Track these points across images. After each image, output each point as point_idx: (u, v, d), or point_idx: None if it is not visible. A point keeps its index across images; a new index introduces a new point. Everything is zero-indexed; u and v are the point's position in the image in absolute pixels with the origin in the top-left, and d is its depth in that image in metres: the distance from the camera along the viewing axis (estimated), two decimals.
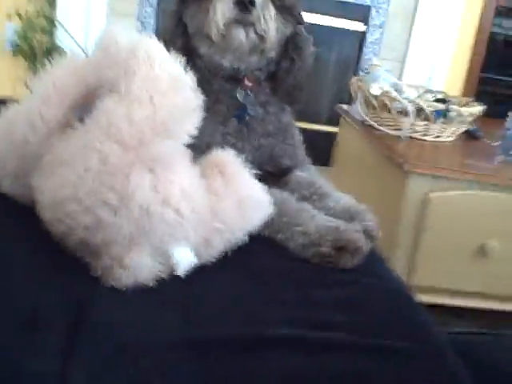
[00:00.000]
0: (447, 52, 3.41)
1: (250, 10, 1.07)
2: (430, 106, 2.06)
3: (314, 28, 3.24)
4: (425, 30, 3.35)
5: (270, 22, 1.10)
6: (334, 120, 2.94)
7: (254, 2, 1.07)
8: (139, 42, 0.85)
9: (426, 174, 1.82)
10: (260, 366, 0.75)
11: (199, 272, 0.92)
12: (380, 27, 3.33)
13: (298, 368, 0.76)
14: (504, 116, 2.15)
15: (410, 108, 2.02)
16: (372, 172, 2.13)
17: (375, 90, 2.06)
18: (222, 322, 0.83)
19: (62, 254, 0.87)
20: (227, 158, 1.00)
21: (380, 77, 2.17)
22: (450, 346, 0.87)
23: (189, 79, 0.86)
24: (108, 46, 0.86)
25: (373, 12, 3.30)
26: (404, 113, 2.05)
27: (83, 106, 0.89)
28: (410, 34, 3.35)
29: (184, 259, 0.89)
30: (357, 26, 3.33)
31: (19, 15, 3.02)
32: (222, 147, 1.09)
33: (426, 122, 2.08)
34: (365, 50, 3.35)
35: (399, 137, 2.05)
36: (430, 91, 2.42)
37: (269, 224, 1.05)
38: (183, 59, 0.89)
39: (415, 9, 3.32)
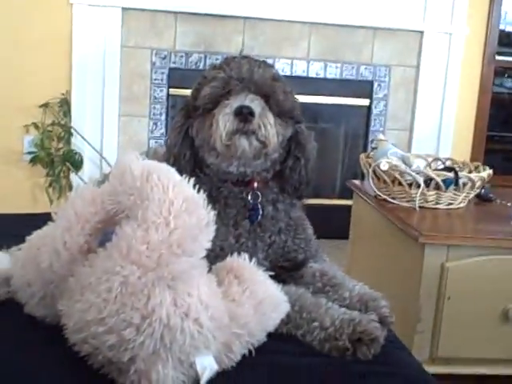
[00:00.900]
0: (452, 115, 3.50)
1: (250, 120, 1.15)
2: (439, 176, 2.10)
3: (321, 108, 3.40)
4: (428, 97, 3.47)
5: (269, 128, 1.17)
6: (346, 193, 3.01)
7: (254, 112, 1.15)
8: (152, 168, 0.92)
9: (440, 244, 1.84)
10: None
11: (222, 377, 0.95)
12: (383, 100, 3.44)
13: None
14: None
15: (420, 179, 2.07)
16: (388, 245, 2.16)
17: (384, 165, 2.12)
18: None
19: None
20: (241, 263, 1.05)
21: (388, 151, 2.22)
22: None
23: (201, 199, 0.92)
24: (123, 173, 0.93)
25: (375, 86, 3.43)
26: (415, 184, 2.10)
27: (103, 232, 0.96)
28: (413, 104, 3.46)
29: (206, 367, 0.93)
30: (361, 101, 3.46)
31: (36, 126, 3.17)
32: (236, 249, 1.15)
33: (436, 191, 2.12)
34: (371, 122, 3.46)
35: (412, 208, 2.09)
36: (439, 159, 2.47)
37: (286, 321, 1.09)
38: (192, 173, 0.96)
39: (416, 79, 3.44)
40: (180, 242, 0.87)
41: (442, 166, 2.38)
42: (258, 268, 1.07)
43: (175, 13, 3.24)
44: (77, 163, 3.20)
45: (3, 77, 3.19)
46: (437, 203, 2.13)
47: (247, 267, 1.05)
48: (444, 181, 2.10)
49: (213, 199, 1.15)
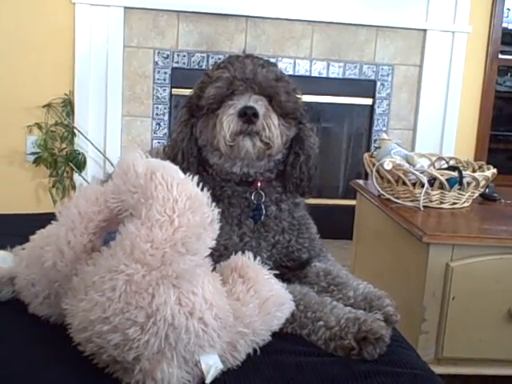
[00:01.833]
0: (456, 115, 3.50)
1: (254, 122, 1.14)
2: (443, 175, 2.09)
3: (324, 107, 3.40)
4: (431, 96, 3.46)
5: (273, 129, 1.17)
6: (350, 193, 3.00)
7: (258, 113, 1.14)
8: (155, 166, 0.92)
9: (445, 243, 1.83)
10: None
11: (227, 376, 0.95)
12: (386, 99, 3.44)
13: None
14: None
15: (424, 179, 2.06)
16: (392, 244, 2.16)
17: (387, 164, 2.11)
18: None
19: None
20: (246, 262, 1.05)
21: (391, 150, 2.21)
22: None
23: (205, 197, 0.91)
24: (126, 171, 0.92)
25: (378, 85, 3.42)
26: (419, 184, 2.09)
27: (107, 230, 0.95)
28: (417, 103, 3.46)
29: (211, 366, 0.92)
30: (364, 101, 3.46)
31: (39, 127, 3.18)
32: (240, 248, 1.14)
33: (441, 191, 2.11)
34: (374, 121, 3.45)
35: (416, 207, 2.08)
36: (442, 158, 2.46)
37: (291, 320, 1.09)
38: (197, 170, 0.95)
39: (419, 78, 3.44)
40: (184, 241, 0.87)
41: (445, 166, 2.37)
42: (263, 267, 1.07)
43: (178, 12, 3.24)
44: (80, 163, 3.20)
45: (6, 77, 3.19)
46: (441, 202, 2.12)
47: (252, 266, 1.05)
48: (448, 180, 2.09)
49: (216, 198, 1.15)
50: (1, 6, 3.14)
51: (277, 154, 1.23)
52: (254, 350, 1.00)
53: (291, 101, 1.23)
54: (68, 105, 3.20)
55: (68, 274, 0.95)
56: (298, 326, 1.10)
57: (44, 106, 3.19)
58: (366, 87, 3.44)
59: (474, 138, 3.66)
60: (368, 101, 3.47)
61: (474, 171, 2.23)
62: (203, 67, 3.27)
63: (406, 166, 2.11)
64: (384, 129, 3.46)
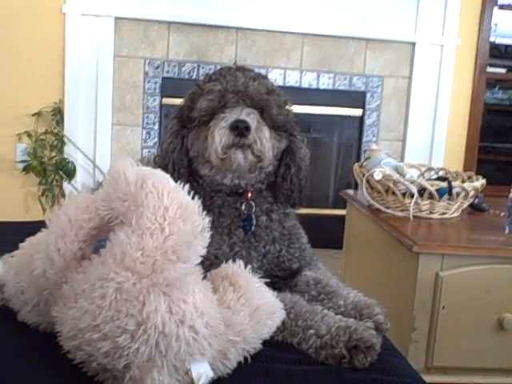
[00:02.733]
0: (445, 126, 3.53)
1: (246, 135, 1.15)
2: (433, 185, 2.10)
3: (314, 118, 3.41)
4: (420, 108, 3.49)
5: (265, 142, 1.17)
6: (340, 202, 3.01)
7: (250, 127, 1.15)
8: (146, 174, 0.91)
9: (435, 253, 1.84)
10: None
11: None
12: (376, 110, 3.46)
13: None
14: (505, 182, 2.19)
15: (414, 189, 2.07)
16: (382, 254, 2.16)
17: (377, 174, 2.12)
18: None
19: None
20: (237, 270, 1.05)
21: (381, 161, 2.23)
22: None
23: (195, 205, 0.91)
24: (117, 179, 0.92)
25: (368, 96, 3.45)
26: (408, 194, 2.10)
27: (97, 238, 0.95)
28: (406, 114, 3.49)
29: (202, 374, 0.92)
30: (354, 112, 3.48)
31: (29, 135, 3.17)
32: (230, 257, 1.14)
33: (430, 201, 2.12)
34: (364, 132, 3.47)
35: (406, 217, 2.09)
36: (432, 169, 2.48)
37: (282, 328, 1.09)
38: (187, 181, 0.96)
39: (408, 89, 3.47)
40: (175, 249, 0.86)
41: (435, 176, 2.39)
42: (254, 275, 1.07)
43: (168, 23, 3.25)
44: (70, 172, 3.18)
45: None
46: (430, 212, 2.14)
47: (242, 274, 1.05)
48: (437, 190, 2.10)
49: (206, 208, 1.15)
50: None
51: (268, 166, 1.23)
52: (245, 359, 1.00)
53: (282, 114, 1.24)
54: (58, 113, 3.19)
55: (58, 282, 0.95)
56: (289, 334, 1.09)
57: (34, 115, 3.18)
58: (356, 98, 3.46)
59: (463, 148, 3.69)
60: (358, 112, 3.49)
61: (463, 182, 2.24)
62: (193, 77, 3.28)
63: (396, 176, 2.13)
64: (374, 139, 3.48)
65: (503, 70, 3.86)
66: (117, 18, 3.19)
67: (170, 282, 0.87)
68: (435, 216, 2.14)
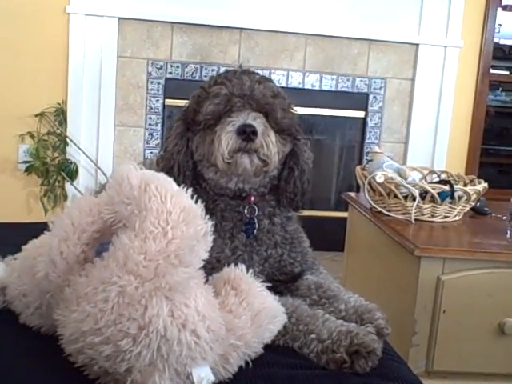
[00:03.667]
0: (447, 128, 3.53)
1: (252, 139, 1.15)
2: (435, 189, 2.10)
3: (316, 120, 3.42)
4: (423, 110, 3.49)
5: (271, 147, 1.18)
6: (341, 205, 3.01)
7: (256, 131, 1.15)
8: (149, 178, 0.92)
9: (436, 257, 1.84)
10: None
11: None
12: (379, 112, 3.46)
13: None
14: (508, 186, 2.18)
15: (416, 192, 2.07)
16: (383, 257, 2.16)
17: (379, 177, 2.12)
18: None
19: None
20: (238, 274, 1.05)
21: (383, 164, 2.23)
22: None
23: (198, 209, 0.92)
24: (120, 183, 0.92)
25: (370, 98, 3.45)
26: (411, 197, 2.10)
27: (100, 241, 0.95)
28: (409, 116, 3.48)
29: (203, 379, 0.92)
30: (357, 113, 3.48)
31: (32, 136, 3.17)
32: (232, 261, 1.14)
33: (432, 204, 2.12)
34: (366, 134, 3.47)
35: (408, 220, 2.09)
36: (434, 172, 2.48)
37: (283, 333, 1.09)
38: (191, 184, 0.96)
39: (411, 91, 3.47)
40: (177, 253, 0.87)
41: (437, 179, 2.39)
42: (255, 279, 1.07)
43: (172, 23, 3.25)
44: (72, 173, 3.19)
45: None
46: (432, 216, 2.13)
47: (244, 278, 1.05)
48: (439, 194, 2.10)
49: (209, 212, 1.15)
50: None
51: (273, 170, 1.24)
52: (246, 363, 1.00)
53: (287, 117, 1.24)
54: (61, 114, 3.20)
55: (60, 285, 0.95)
56: (290, 338, 1.10)
57: (37, 115, 3.18)
58: (359, 100, 3.47)
59: (466, 151, 3.69)
60: (360, 113, 3.49)
61: (465, 185, 2.24)
62: (196, 78, 3.28)
63: (398, 179, 2.13)
64: (376, 141, 3.49)
65: (507, 72, 3.86)
66: (120, 19, 3.20)
67: (173, 286, 0.88)
68: (437, 219, 2.14)
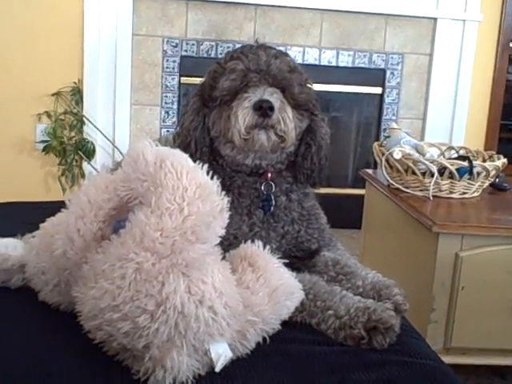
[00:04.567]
0: (466, 104, 3.48)
1: (269, 115, 1.14)
2: (453, 165, 2.08)
3: (333, 96, 3.38)
4: (441, 86, 3.44)
5: (288, 122, 1.16)
6: (359, 182, 2.99)
7: (273, 107, 1.14)
8: (165, 154, 0.91)
9: (455, 233, 1.83)
10: None
11: (236, 365, 0.95)
12: (396, 88, 3.42)
13: None
14: None
15: (434, 168, 2.05)
16: (401, 234, 2.15)
17: (397, 154, 2.10)
18: None
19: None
20: (255, 250, 1.05)
21: (401, 140, 2.21)
22: None
23: (214, 185, 0.91)
24: (136, 160, 0.92)
25: (388, 74, 3.40)
26: (428, 173, 2.08)
27: (116, 218, 0.95)
28: (427, 92, 3.44)
29: (221, 355, 0.93)
30: (374, 90, 3.44)
31: (49, 115, 3.18)
32: (249, 238, 1.14)
33: (450, 180, 2.10)
34: (384, 111, 3.43)
35: (426, 197, 2.07)
36: (452, 148, 2.45)
37: (301, 309, 1.09)
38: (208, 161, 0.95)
39: (429, 67, 3.41)
40: (194, 229, 0.86)
41: (455, 155, 2.36)
42: (272, 256, 1.07)
43: (186, 0, 3.22)
44: (89, 152, 3.20)
45: (16, 66, 3.19)
46: (451, 192, 2.12)
47: (261, 255, 1.05)
48: (458, 170, 2.08)
49: (226, 188, 1.14)
50: None
51: (290, 146, 1.22)
52: (264, 339, 1.00)
53: (304, 92, 1.22)
54: (77, 93, 3.20)
55: (78, 262, 0.95)
56: (308, 315, 1.10)
57: (53, 95, 3.19)
58: (376, 76, 3.42)
59: (484, 127, 3.64)
60: (377, 90, 3.45)
61: (484, 161, 2.21)
62: (212, 55, 3.26)
63: (416, 155, 2.10)
64: (393, 118, 3.45)
65: None
66: None
67: (189, 263, 0.87)
68: (455, 196, 2.12)
